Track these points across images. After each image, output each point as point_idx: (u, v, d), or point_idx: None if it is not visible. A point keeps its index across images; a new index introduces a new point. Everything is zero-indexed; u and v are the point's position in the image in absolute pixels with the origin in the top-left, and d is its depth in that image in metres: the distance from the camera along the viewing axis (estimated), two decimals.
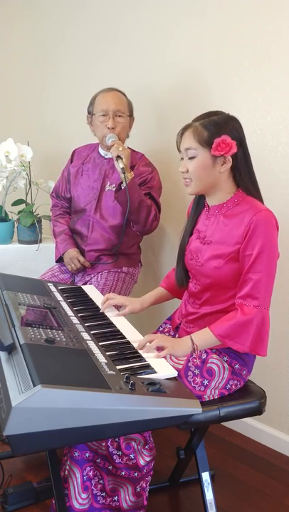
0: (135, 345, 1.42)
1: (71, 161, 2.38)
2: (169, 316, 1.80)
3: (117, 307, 1.75)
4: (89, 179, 2.27)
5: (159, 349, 1.42)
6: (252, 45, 2.01)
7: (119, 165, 1.98)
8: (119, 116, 2.15)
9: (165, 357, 1.43)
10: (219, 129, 1.46)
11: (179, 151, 1.54)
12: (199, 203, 1.65)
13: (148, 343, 1.41)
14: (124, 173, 1.98)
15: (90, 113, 2.22)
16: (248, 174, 1.53)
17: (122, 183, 2.02)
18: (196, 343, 1.45)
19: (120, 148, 2.01)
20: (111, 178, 2.22)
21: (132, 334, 1.51)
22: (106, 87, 2.21)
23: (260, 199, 1.55)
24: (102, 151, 2.29)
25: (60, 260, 2.33)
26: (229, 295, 1.52)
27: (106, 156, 2.27)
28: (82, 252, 2.27)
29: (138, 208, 2.05)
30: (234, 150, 1.45)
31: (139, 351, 1.39)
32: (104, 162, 2.27)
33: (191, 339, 1.46)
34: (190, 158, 1.49)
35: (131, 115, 2.22)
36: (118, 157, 2.00)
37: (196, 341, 1.45)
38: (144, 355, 1.37)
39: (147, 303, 1.75)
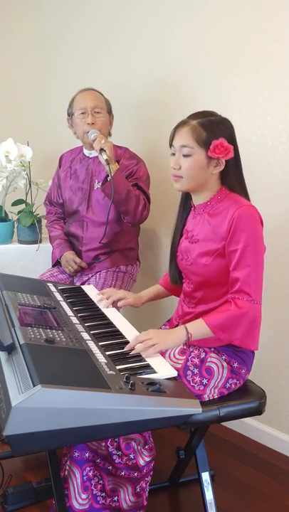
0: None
1: (59, 166, 2.42)
2: (168, 317, 1.80)
3: (116, 305, 1.77)
4: (78, 181, 2.30)
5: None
6: (252, 45, 2.01)
7: (103, 157, 2.01)
8: (98, 112, 2.18)
9: (164, 356, 1.43)
10: (217, 130, 1.47)
11: (171, 146, 1.54)
12: (186, 203, 1.67)
13: (138, 344, 1.39)
14: (108, 164, 1.99)
15: (70, 114, 2.26)
16: (237, 177, 1.54)
17: (108, 176, 2.03)
18: (191, 332, 1.43)
19: (102, 141, 2.04)
20: (98, 176, 2.24)
21: (131, 334, 1.51)
22: (82, 88, 2.25)
23: (246, 197, 1.55)
24: (86, 152, 2.31)
25: (56, 264, 2.34)
26: (222, 291, 1.53)
27: (91, 156, 2.29)
28: (79, 254, 2.28)
29: (126, 198, 2.06)
30: (231, 155, 1.47)
31: (136, 352, 1.37)
32: (90, 162, 2.29)
33: (186, 328, 1.44)
34: (184, 156, 1.49)
35: (110, 112, 2.25)
36: (101, 150, 2.02)
37: (191, 331, 1.44)
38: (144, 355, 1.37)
39: (145, 298, 1.80)
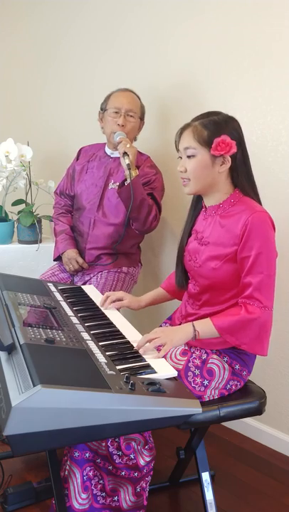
0: (135, 345, 1.42)
1: (77, 158, 2.39)
2: (169, 316, 1.80)
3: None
4: (93, 177, 2.28)
5: (159, 347, 1.42)
6: (252, 45, 2.02)
7: (125, 161, 2.01)
8: (131, 116, 2.18)
9: (165, 357, 1.42)
10: (219, 128, 1.45)
11: (178, 150, 1.54)
12: (197, 204, 1.66)
13: (147, 343, 1.41)
14: (129, 169, 2.00)
15: (103, 109, 2.25)
16: (246, 175, 1.53)
17: (125, 180, 2.03)
18: (198, 330, 1.44)
19: (128, 146, 2.04)
20: (115, 177, 2.23)
21: (131, 334, 1.51)
22: (122, 87, 2.24)
23: (258, 200, 1.54)
24: (108, 150, 2.31)
25: (58, 259, 2.33)
26: (228, 296, 1.52)
27: (112, 155, 2.28)
28: (82, 251, 2.27)
29: (139, 205, 2.06)
30: (234, 150, 1.45)
31: (139, 351, 1.39)
32: (109, 161, 2.28)
33: (193, 326, 1.44)
34: (189, 157, 1.49)
35: (142, 118, 2.25)
36: (125, 153, 2.02)
37: (198, 328, 1.44)
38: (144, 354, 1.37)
39: (144, 302, 1.78)
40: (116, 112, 2.16)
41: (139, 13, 2.46)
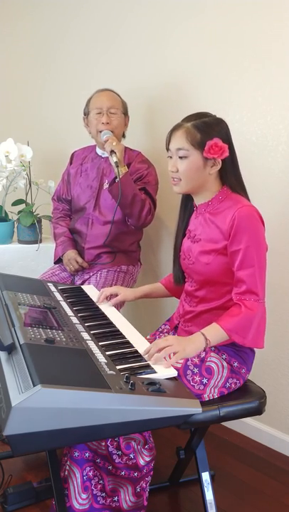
0: (138, 349, 1.39)
1: (70, 163, 2.42)
2: (168, 317, 1.80)
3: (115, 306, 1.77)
4: (88, 178, 2.30)
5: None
6: (252, 45, 2.01)
7: (113, 159, 2.03)
8: (113, 113, 2.19)
9: (164, 356, 1.43)
10: (211, 131, 1.48)
11: (168, 149, 1.56)
12: (187, 204, 1.68)
13: (157, 354, 1.35)
14: (117, 166, 2.02)
15: (86, 114, 2.28)
16: (234, 174, 1.56)
17: (116, 177, 2.04)
18: (209, 338, 1.41)
19: (114, 143, 2.06)
20: (109, 176, 2.25)
21: (131, 334, 1.51)
22: (100, 88, 2.26)
23: (246, 196, 1.57)
24: (99, 151, 2.33)
25: (58, 261, 2.34)
26: (224, 291, 1.53)
27: (103, 155, 2.30)
28: (82, 251, 2.28)
29: (132, 201, 2.08)
30: (226, 154, 1.48)
31: (150, 361, 1.33)
32: (101, 161, 2.30)
33: (204, 335, 1.41)
34: (180, 158, 1.51)
35: (126, 113, 2.26)
36: (112, 152, 2.04)
37: (209, 337, 1.41)
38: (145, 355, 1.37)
39: (140, 293, 1.79)
40: (99, 113, 2.19)
41: (139, 12, 2.46)
